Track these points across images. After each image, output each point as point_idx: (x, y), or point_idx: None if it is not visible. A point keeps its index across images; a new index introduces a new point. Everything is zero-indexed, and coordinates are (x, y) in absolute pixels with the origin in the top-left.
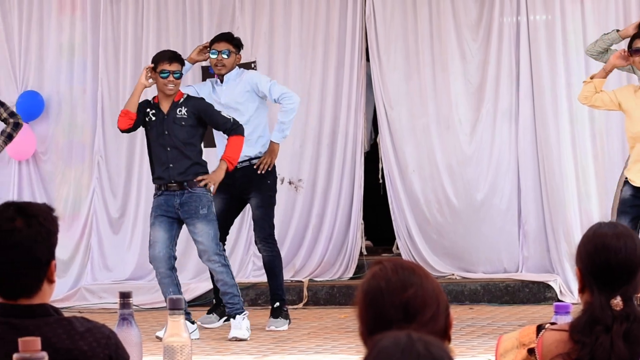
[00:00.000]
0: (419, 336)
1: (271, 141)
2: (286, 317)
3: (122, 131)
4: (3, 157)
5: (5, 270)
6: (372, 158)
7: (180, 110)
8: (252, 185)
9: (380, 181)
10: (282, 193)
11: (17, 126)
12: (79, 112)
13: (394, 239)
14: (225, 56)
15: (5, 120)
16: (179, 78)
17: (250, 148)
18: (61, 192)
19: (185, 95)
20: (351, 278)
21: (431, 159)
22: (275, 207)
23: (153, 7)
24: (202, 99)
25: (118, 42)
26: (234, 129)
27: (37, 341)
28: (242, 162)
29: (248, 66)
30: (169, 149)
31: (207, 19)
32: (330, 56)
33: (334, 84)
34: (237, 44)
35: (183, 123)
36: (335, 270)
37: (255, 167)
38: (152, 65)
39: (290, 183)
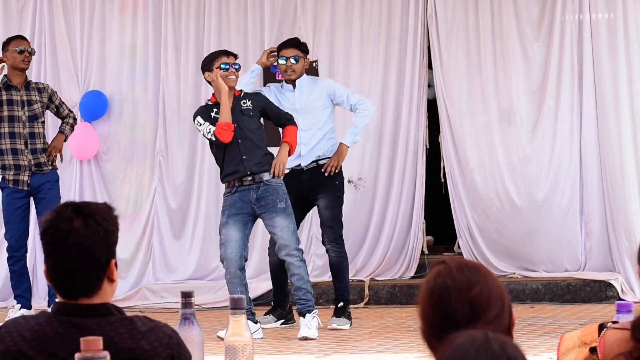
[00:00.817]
0: (494, 335)
1: (341, 143)
2: (349, 317)
3: (225, 143)
4: (65, 157)
5: (64, 270)
6: (433, 156)
7: (244, 103)
8: (320, 187)
9: (442, 180)
10: None
11: (75, 122)
12: (141, 111)
13: (456, 238)
14: (294, 62)
15: (67, 116)
16: (238, 70)
17: (319, 150)
18: (123, 191)
19: (242, 92)
20: (412, 277)
21: (492, 157)
22: None
23: (215, 6)
24: (259, 93)
25: (179, 41)
26: (290, 118)
27: (99, 340)
28: (309, 163)
29: (310, 65)
30: (240, 141)
31: (268, 18)
32: (392, 54)
33: (395, 82)
34: (304, 49)
35: (251, 114)
36: (397, 269)
37: (322, 169)
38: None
39: (349, 182)
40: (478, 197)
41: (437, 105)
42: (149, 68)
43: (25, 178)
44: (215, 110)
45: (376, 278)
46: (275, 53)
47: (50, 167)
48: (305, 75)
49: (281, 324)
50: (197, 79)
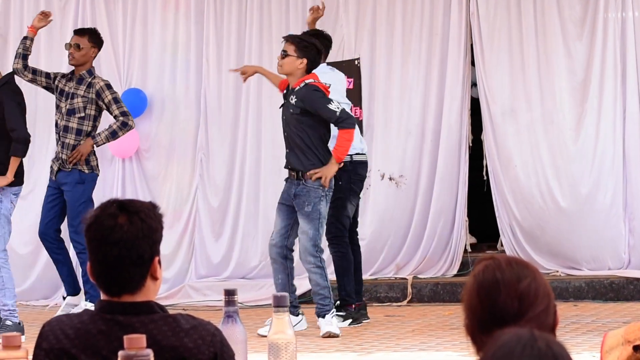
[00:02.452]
0: (540, 333)
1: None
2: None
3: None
4: (106, 155)
5: (107, 267)
6: (476, 154)
7: (292, 98)
8: None
9: (485, 177)
10: (383, 189)
11: (124, 125)
12: (182, 109)
13: (498, 235)
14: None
15: (115, 117)
16: (284, 56)
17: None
18: (164, 189)
19: (303, 83)
20: (455, 275)
21: (535, 154)
22: (375, 203)
23: (256, 4)
24: (308, 89)
25: (221, 39)
26: (340, 121)
27: (142, 338)
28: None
29: (352, 63)
30: (285, 134)
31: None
32: (434, 52)
33: (437, 79)
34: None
35: (291, 111)
36: (440, 267)
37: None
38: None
39: (391, 179)
40: (521, 195)
41: (479, 103)
42: (190, 66)
43: (55, 167)
44: (285, 92)
45: (419, 276)
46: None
47: (70, 167)
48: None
49: (349, 324)
50: (239, 77)
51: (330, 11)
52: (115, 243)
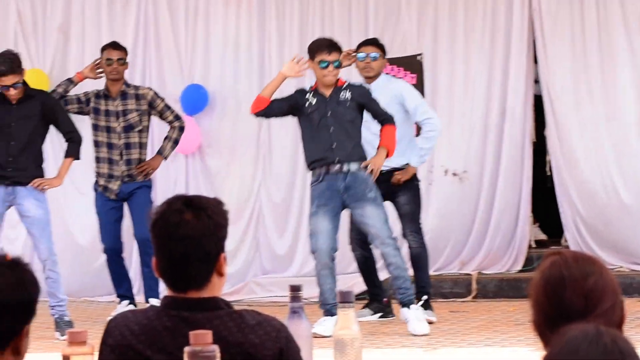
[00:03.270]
0: (606, 329)
1: (408, 164)
2: (432, 309)
3: (255, 115)
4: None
5: (173, 263)
6: (539, 150)
7: (344, 94)
8: (399, 187)
9: (548, 173)
10: (446, 184)
11: (182, 130)
12: (244, 105)
13: (562, 231)
14: (372, 59)
15: (170, 123)
16: (339, 67)
17: (396, 157)
18: (226, 185)
19: (347, 82)
20: (520, 271)
21: (598, 150)
22: (439, 198)
23: (319, 0)
24: (363, 87)
25: (283, 35)
26: (388, 119)
27: (208, 334)
28: (383, 170)
29: (414, 59)
30: (332, 129)
31: (372, 12)
32: (497, 48)
33: (500, 75)
34: (383, 49)
35: (347, 105)
36: (504, 262)
37: (392, 182)
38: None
39: (454, 175)
40: (584, 190)
41: (541, 99)
42: (253, 62)
43: (115, 187)
44: (311, 94)
45: (483, 272)
46: (353, 54)
47: (142, 179)
48: (383, 75)
49: (380, 317)
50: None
51: (393, 7)
52: (182, 239)
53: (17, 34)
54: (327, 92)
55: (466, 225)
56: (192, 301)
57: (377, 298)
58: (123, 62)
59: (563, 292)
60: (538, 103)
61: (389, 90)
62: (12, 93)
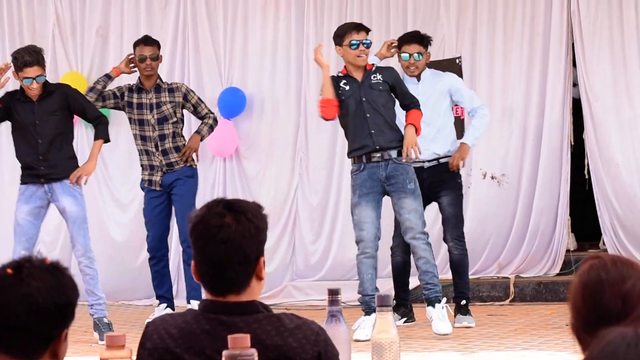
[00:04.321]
0: None
1: (462, 142)
2: (471, 314)
3: (328, 119)
4: (207, 154)
5: (213, 266)
6: (577, 153)
7: (375, 77)
8: (443, 185)
9: (586, 176)
10: (484, 188)
11: (216, 121)
12: (282, 108)
13: (600, 234)
14: (417, 58)
15: (206, 115)
16: (369, 47)
17: (439, 146)
18: (263, 188)
19: (374, 65)
20: (558, 274)
21: (637, 153)
22: (477, 202)
23: (357, 3)
24: (391, 68)
25: (321, 39)
26: (415, 103)
27: (246, 338)
28: (430, 161)
29: (453, 62)
30: (368, 115)
31: (411, 15)
32: (536, 51)
33: (539, 78)
34: (426, 44)
35: (380, 88)
36: (542, 266)
37: (450, 167)
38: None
39: (492, 178)
40: (623, 193)
41: (580, 102)
42: (291, 66)
43: (157, 178)
44: (344, 81)
45: (521, 275)
46: (396, 45)
47: (182, 165)
48: (427, 69)
49: (404, 322)
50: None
51: (432, 10)
52: (222, 242)
53: (55, 37)
54: (359, 76)
55: (504, 228)
56: (231, 305)
57: (405, 303)
58: (156, 58)
59: (601, 295)
60: (576, 106)
61: (437, 82)
62: (34, 87)
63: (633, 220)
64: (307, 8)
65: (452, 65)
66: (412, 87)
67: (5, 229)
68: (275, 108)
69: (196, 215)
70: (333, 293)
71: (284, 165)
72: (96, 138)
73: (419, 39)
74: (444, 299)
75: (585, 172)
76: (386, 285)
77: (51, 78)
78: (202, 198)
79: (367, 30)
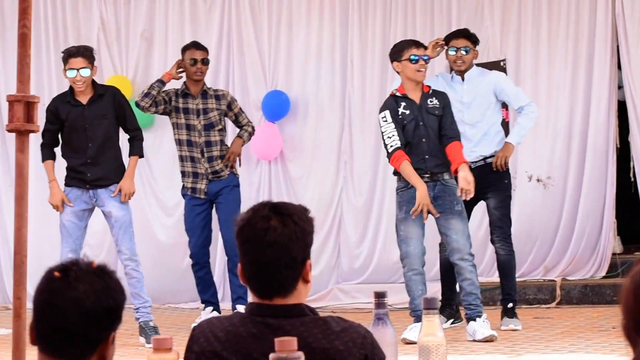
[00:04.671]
0: None
1: (507, 142)
2: (517, 317)
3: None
4: (252, 158)
5: (260, 269)
6: (623, 156)
7: (431, 101)
8: (490, 186)
9: (632, 179)
10: (530, 190)
11: (254, 131)
12: (326, 111)
13: None
14: (464, 52)
15: (246, 124)
16: (428, 62)
17: (486, 147)
18: (308, 191)
19: (431, 88)
20: (604, 277)
21: None
22: (523, 204)
23: (401, 5)
24: (444, 94)
25: (366, 41)
26: (457, 135)
27: (293, 341)
28: (476, 162)
29: (497, 64)
30: (424, 140)
31: (455, 17)
32: (581, 53)
33: (584, 81)
34: (474, 40)
35: (436, 112)
36: (588, 269)
37: (494, 167)
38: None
39: (538, 180)
40: None
41: (625, 104)
42: (335, 69)
43: (203, 186)
44: (403, 104)
45: (567, 278)
46: (442, 43)
47: (228, 173)
48: (474, 67)
49: (451, 324)
50: (383, 79)
51: (476, 12)
52: (269, 245)
53: (100, 41)
54: (417, 98)
55: (550, 231)
56: (277, 308)
57: (451, 303)
58: (207, 62)
59: None
60: (622, 109)
61: (483, 80)
62: (79, 80)
63: None
64: (352, 11)
65: (496, 68)
66: (458, 86)
67: (50, 232)
68: (319, 111)
69: (242, 218)
70: (380, 296)
71: (329, 168)
72: (131, 154)
73: (467, 34)
74: (485, 314)
75: (631, 174)
76: (432, 288)
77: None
78: (247, 201)
79: (425, 47)
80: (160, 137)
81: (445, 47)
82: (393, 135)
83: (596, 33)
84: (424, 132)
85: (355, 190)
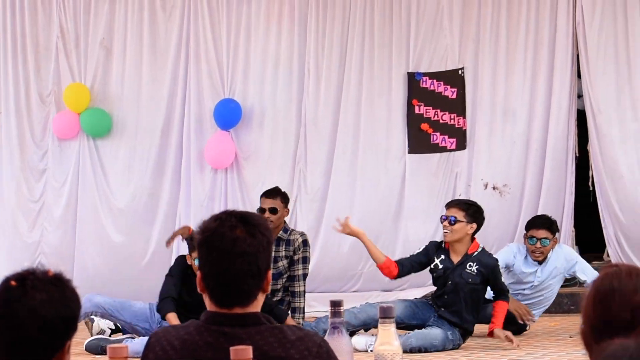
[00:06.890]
0: None
1: None
2: None
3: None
4: (206, 166)
5: (226, 279)
6: (582, 165)
7: (470, 266)
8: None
9: (591, 188)
10: (485, 198)
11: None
12: (282, 120)
13: (604, 246)
14: (544, 244)
15: (296, 278)
16: (451, 223)
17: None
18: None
19: (480, 248)
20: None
21: None
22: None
23: (359, 14)
24: (493, 258)
25: (323, 50)
26: (505, 294)
27: (249, 350)
28: None
29: (456, 73)
30: (446, 297)
31: (414, 26)
32: (540, 61)
33: (544, 89)
34: (555, 230)
35: (470, 280)
36: None
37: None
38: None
39: (494, 188)
40: (627, 204)
41: (584, 114)
42: (293, 77)
43: None
44: (441, 257)
45: None
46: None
47: None
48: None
49: None
50: (338, 88)
51: (435, 20)
52: (238, 255)
53: (59, 48)
54: (456, 259)
55: (506, 239)
56: (234, 316)
57: None
58: (275, 212)
59: (611, 304)
60: (581, 118)
61: (554, 267)
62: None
63: (637, 232)
64: (310, 20)
65: (454, 77)
66: (531, 270)
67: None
68: (275, 119)
69: (207, 227)
70: (335, 305)
71: (283, 177)
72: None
73: (549, 224)
74: None
75: (590, 183)
76: (389, 299)
77: (54, 90)
78: (200, 209)
79: (454, 205)
80: (117, 145)
81: (526, 234)
82: (410, 255)
83: (556, 41)
84: (449, 290)
85: (309, 198)
